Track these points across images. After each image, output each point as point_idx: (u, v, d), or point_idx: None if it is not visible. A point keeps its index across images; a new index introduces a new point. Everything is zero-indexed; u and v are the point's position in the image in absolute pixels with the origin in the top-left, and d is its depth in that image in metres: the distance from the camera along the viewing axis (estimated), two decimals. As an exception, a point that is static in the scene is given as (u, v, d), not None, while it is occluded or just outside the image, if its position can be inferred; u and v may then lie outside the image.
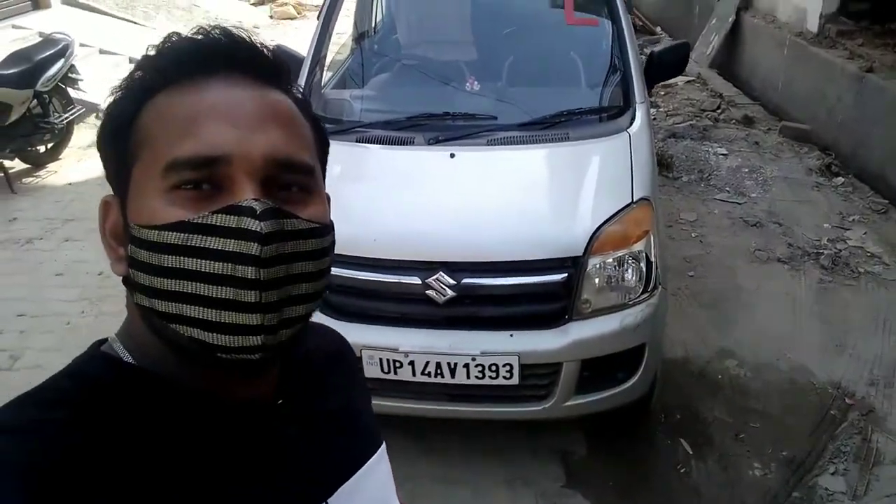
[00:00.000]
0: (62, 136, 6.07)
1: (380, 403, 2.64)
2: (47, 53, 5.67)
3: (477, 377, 2.55)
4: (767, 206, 4.96)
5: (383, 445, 0.89)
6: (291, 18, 11.76)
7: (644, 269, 2.63)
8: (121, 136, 0.67)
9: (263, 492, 0.71)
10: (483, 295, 2.57)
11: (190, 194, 0.63)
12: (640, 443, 3.01)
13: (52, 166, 6.01)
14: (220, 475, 0.68)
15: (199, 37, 0.68)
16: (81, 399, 0.65)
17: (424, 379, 2.57)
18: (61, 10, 9.05)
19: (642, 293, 2.63)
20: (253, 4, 12.40)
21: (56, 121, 5.80)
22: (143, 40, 9.07)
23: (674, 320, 3.70)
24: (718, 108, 6.80)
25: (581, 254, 2.54)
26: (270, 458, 0.73)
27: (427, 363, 2.54)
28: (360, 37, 4.12)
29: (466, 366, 2.53)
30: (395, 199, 2.76)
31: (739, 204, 5.03)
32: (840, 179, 5.29)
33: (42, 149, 5.98)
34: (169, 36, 0.69)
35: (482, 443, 2.98)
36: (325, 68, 3.50)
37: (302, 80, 3.25)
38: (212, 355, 0.64)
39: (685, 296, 3.99)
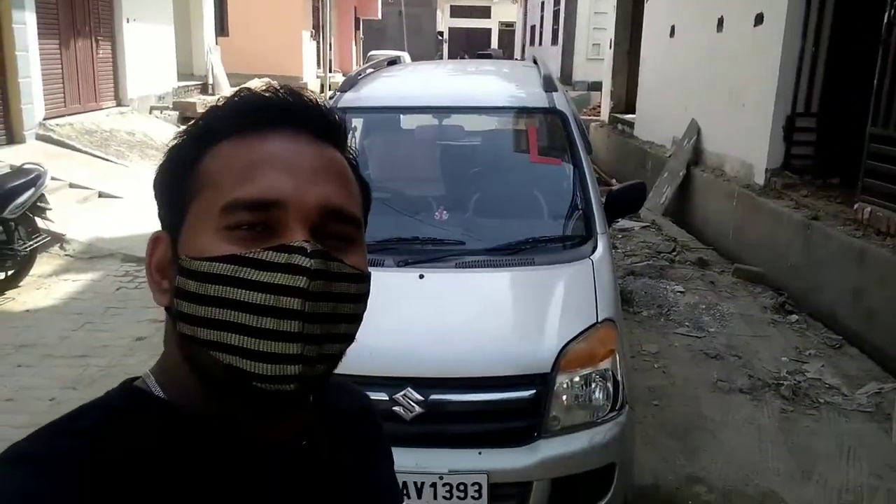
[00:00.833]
0: (24, 264, 6.03)
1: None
2: (19, 182, 5.75)
3: (444, 497, 2.50)
4: (726, 340, 5.09)
5: (404, 502, 0.89)
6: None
7: (611, 388, 2.67)
8: (181, 176, 0.72)
9: None
10: (451, 411, 2.57)
11: (244, 234, 0.67)
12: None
13: (10, 293, 5.93)
14: None
15: (268, 94, 0.74)
16: (107, 431, 0.66)
17: (391, 500, 2.50)
18: (35, 144, 9.26)
19: (610, 411, 2.65)
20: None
21: (20, 248, 5.80)
22: (114, 175, 9.29)
23: (642, 447, 3.70)
24: (674, 250, 7.11)
25: (549, 370, 2.58)
26: (291, 500, 0.73)
27: (394, 482, 2.48)
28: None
29: (434, 485, 2.48)
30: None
31: (699, 337, 5.15)
32: (794, 317, 5.49)
33: (2, 275, 5.93)
34: (239, 90, 0.75)
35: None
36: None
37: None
38: (247, 384, 0.65)
39: (651, 424, 4.00)
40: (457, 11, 49.86)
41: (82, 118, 10.69)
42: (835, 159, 6.46)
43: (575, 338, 2.67)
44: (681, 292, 5.96)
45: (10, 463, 0.61)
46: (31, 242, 5.93)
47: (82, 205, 8.23)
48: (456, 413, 2.58)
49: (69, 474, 0.61)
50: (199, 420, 0.69)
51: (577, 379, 2.64)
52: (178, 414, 0.69)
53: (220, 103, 0.74)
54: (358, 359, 2.59)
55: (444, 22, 48.10)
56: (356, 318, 0.74)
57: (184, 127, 0.76)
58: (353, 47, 27.20)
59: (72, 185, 8.48)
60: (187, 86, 14.91)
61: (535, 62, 4.65)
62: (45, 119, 9.70)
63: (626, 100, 11.87)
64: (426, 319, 2.76)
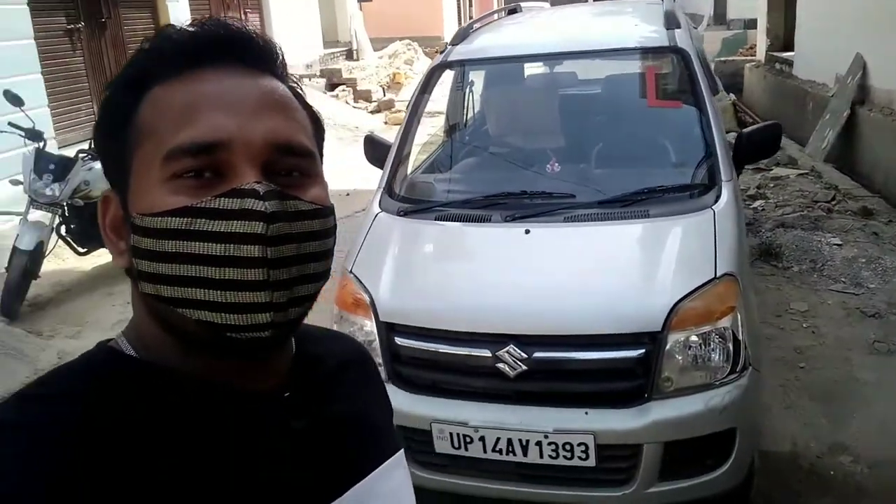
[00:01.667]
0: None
1: (452, 482, 2.58)
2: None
3: (550, 456, 2.44)
4: (888, 297, 4.59)
5: (401, 452, 0.86)
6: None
7: (731, 348, 2.48)
8: (119, 130, 0.69)
9: (268, 483, 0.69)
10: (555, 370, 2.49)
11: (191, 182, 0.64)
12: (738, 543, 2.74)
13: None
14: (224, 465, 0.67)
15: (193, 28, 0.69)
16: (84, 393, 0.65)
17: (495, 456, 2.48)
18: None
19: (730, 373, 2.47)
20: (370, 112, 13.18)
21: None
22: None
23: (781, 412, 3.45)
24: (833, 199, 6.49)
25: (659, 329, 2.43)
26: (276, 449, 0.71)
27: (498, 439, 2.46)
28: (450, 129, 4.28)
29: (539, 443, 2.43)
30: (466, 273, 2.78)
31: (856, 294, 4.69)
32: (972, 270, 4.85)
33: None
34: (163, 29, 0.70)
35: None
36: (412, 156, 3.64)
37: (389, 165, 3.39)
38: (220, 337, 0.64)
39: (795, 388, 3.70)
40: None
41: (236, 90, 11.31)
42: None
43: (689, 294, 2.49)
44: (837, 245, 5.43)
45: None
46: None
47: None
48: (561, 371, 2.51)
49: (41, 439, 0.60)
50: (174, 377, 0.68)
51: (692, 338, 2.47)
52: (153, 372, 0.68)
53: (145, 46, 0.70)
54: (460, 315, 2.60)
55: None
56: (326, 255, 0.71)
57: (114, 77, 0.72)
58: (495, 1, 26.80)
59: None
60: (333, 52, 15.38)
61: (662, -1, 4.35)
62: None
63: (783, 37, 10.89)
64: (531, 275, 2.68)
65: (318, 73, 14.10)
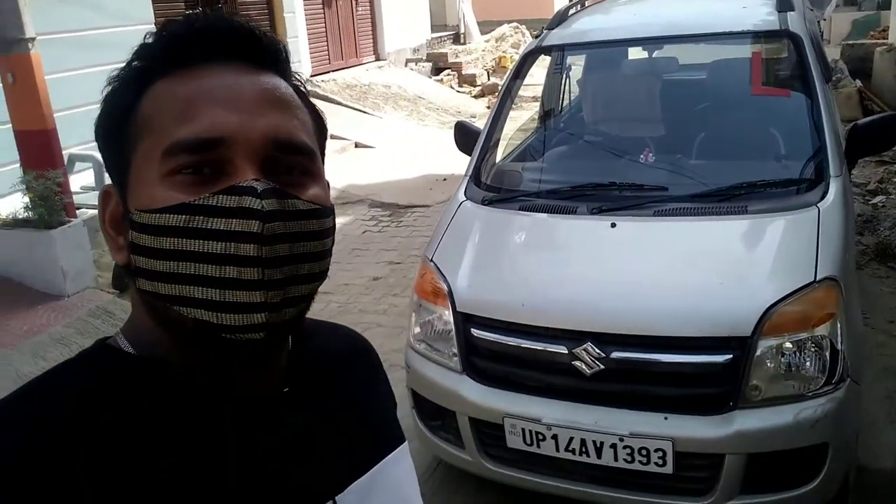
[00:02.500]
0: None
1: (522, 478, 2.54)
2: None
3: (625, 460, 2.36)
4: None
5: (404, 444, 0.84)
6: (507, 108, 12.27)
7: (828, 358, 2.31)
8: (120, 125, 0.68)
9: (269, 480, 0.69)
10: (634, 371, 2.40)
11: (190, 178, 0.64)
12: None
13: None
14: (224, 462, 0.67)
15: (196, 24, 0.68)
16: (82, 389, 0.65)
17: (568, 456, 2.43)
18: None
19: (824, 385, 2.30)
20: (473, 97, 13.15)
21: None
22: (369, 127, 9.98)
23: (886, 425, 3.21)
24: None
25: (749, 334, 2.29)
26: (276, 446, 0.71)
27: (571, 439, 2.40)
28: (544, 115, 4.19)
29: (613, 446, 2.36)
30: (546, 266, 2.71)
31: None
32: None
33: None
34: (166, 24, 0.69)
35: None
36: (501, 143, 3.58)
37: (476, 153, 3.35)
38: (215, 337, 0.63)
39: (905, 401, 3.42)
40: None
41: (344, 74, 11.57)
42: None
43: (784, 298, 2.33)
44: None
45: None
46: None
47: (340, 154, 8.97)
48: (640, 373, 2.41)
49: (38, 436, 0.60)
50: (171, 373, 0.68)
51: (786, 345, 2.31)
52: (149, 369, 0.68)
53: (148, 40, 0.69)
54: (538, 309, 2.55)
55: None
56: (323, 255, 0.69)
57: (116, 70, 0.71)
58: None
59: (332, 137, 9.24)
60: (440, 37, 15.43)
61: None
62: (312, 76, 10.66)
63: (922, 17, 10.04)
64: (613, 271, 2.58)
65: (424, 58, 14.19)
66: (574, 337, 2.43)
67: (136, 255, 0.65)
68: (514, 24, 16.23)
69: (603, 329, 2.41)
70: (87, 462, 0.60)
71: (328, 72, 11.25)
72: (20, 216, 4.86)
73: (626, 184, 2.95)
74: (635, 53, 3.85)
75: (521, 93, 3.83)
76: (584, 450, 2.40)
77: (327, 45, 11.42)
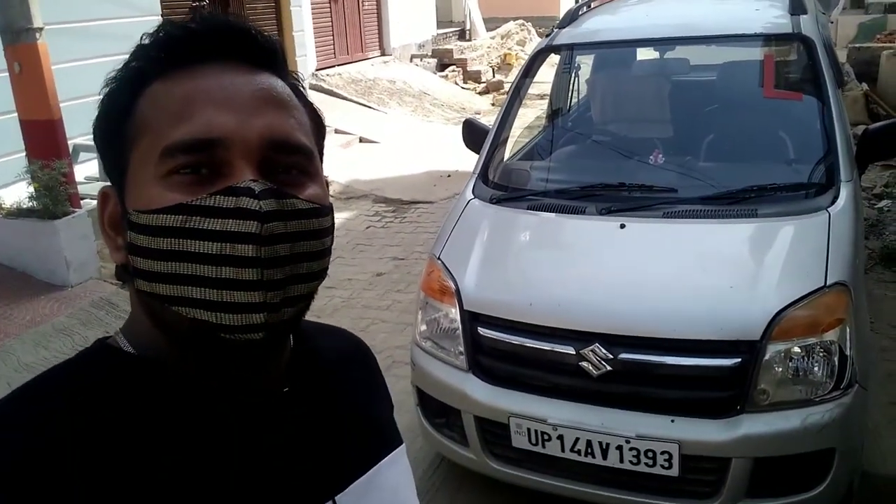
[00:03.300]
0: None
1: (527, 477, 2.54)
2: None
3: (631, 462, 2.36)
4: None
5: (401, 447, 0.85)
6: (512, 106, 12.26)
7: (836, 363, 2.30)
8: (117, 126, 0.68)
9: (268, 480, 0.69)
10: (641, 373, 2.39)
11: (187, 179, 0.64)
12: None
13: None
14: (223, 462, 0.67)
15: (193, 24, 0.68)
16: (82, 389, 0.66)
17: (574, 457, 2.42)
18: (309, 93, 10.14)
19: (832, 390, 2.29)
20: (478, 93, 13.14)
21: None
22: (374, 122, 9.96)
23: (890, 430, 3.21)
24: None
25: (758, 338, 2.29)
26: (275, 446, 0.71)
27: (577, 440, 2.40)
28: (552, 114, 4.18)
29: (619, 448, 2.35)
30: (554, 266, 2.71)
31: None
32: None
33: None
34: (162, 24, 0.70)
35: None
36: (509, 142, 3.57)
37: (485, 151, 3.34)
38: (214, 337, 0.63)
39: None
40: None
41: (349, 68, 11.55)
42: None
43: (794, 303, 2.33)
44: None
45: None
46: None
47: (344, 149, 8.96)
48: (647, 375, 2.40)
49: (37, 436, 0.61)
50: (171, 373, 0.68)
51: (795, 350, 2.31)
52: (148, 368, 0.68)
53: (144, 41, 0.69)
54: (545, 309, 2.54)
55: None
56: (322, 254, 0.69)
57: (113, 72, 0.71)
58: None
59: (337, 131, 9.24)
60: (445, 33, 15.41)
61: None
62: (317, 70, 10.64)
63: (931, 22, 10.00)
64: (622, 272, 2.58)
65: (429, 53, 14.17)
66: (581, 338, 2.42)
67: (134, 255, 0.65)
68: (520, 21, 16.21)
69: (611, 330, 2.40)
70: (86, 462, 0.60)
71: (333, 66, 11.23)
72: (25, 206, 4.86)
73: (635, 185, 2.94)
74: (645, 54, 3.84)
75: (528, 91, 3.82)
76: (589, 451, 2.40)
77: (333, 40, 11.40)
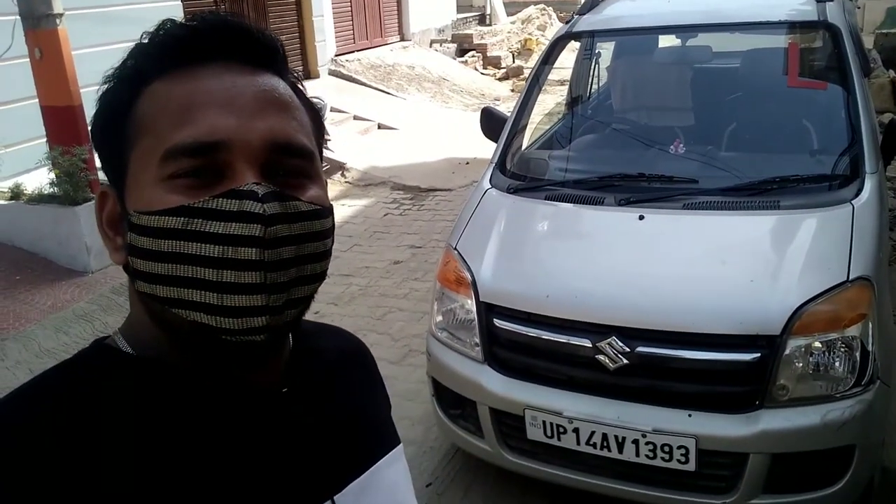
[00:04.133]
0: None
1: (542, 470, 2.53)
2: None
3: (647, 456, 2.34)
4: None
5: (399, 447, 0.85)
6: (532, 92, 12.17)
7: (858, 359, 2.26)
8: (117, 124, 0.68)
9: (267, 479, 0.69)
10: (659, 367, 2.37)
11: (190, 182, 0.63)
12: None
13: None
14: (222, 461, 0.66)
15: (194, 23, 0.68)
16: (80, 390, 0.65)
17: (589, 450, 2.41)
18: (328, 80, 10.23)
19: (854, 386, 2.26)
20: (498, 79, 13.05)
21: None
22: (393, 108, 9.93)
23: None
24: None
25: (778, 333, 2.26)
26: (274, 445, 0.71)
27: (592, 433, 2.38)
28: (571, 102, 4.13)
29: (636, 442, 2.34)
30: (571, 257, 2.68)
31: None
32: None
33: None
34: (163, 23, 0.69)
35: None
36: (527, 130, 3.54)
37: (503, 140, 3.31)
38: (215, 339, 0.63)
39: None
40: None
41: (368, 53, 11.51)
42: None
43: (815, 297, 2.29)
44: None
45: None
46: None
47: (363, 135, 8.95)
48: (664, 369, 2.37)
49: (35, 437, 0.61)
50: (170, 373, 0.68)
51: (815, 345, 2.27)
52: (147, 369, 0.68)
53: (145, 39, 0.68)
54: (561, 302, 2.52)
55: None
56: (324, 256, 0.69)
57: (112, 69, 0.70)
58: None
59: (355, 118, 9.23)
60: (465, 18, 15.30)
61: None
62: (336, 55, 10.62)
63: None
64: (640, 265, 2.55)
65: (449, 39, 14.08)
66: (598, 330, 2.40)
67: (135, 256, 0.65)
68: (541, 5, 16.04)
69: (628, 323, 2.38)
70: (83, 462, 0.60)
71: (353, 51, 11.20)
72: (46, 192, 4.90)
73: (655, 175, 2.90)
74: (667, 41, 3.78)
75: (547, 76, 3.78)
76: (605, 444, 2.38)
77: (352, 25, 11.36)
